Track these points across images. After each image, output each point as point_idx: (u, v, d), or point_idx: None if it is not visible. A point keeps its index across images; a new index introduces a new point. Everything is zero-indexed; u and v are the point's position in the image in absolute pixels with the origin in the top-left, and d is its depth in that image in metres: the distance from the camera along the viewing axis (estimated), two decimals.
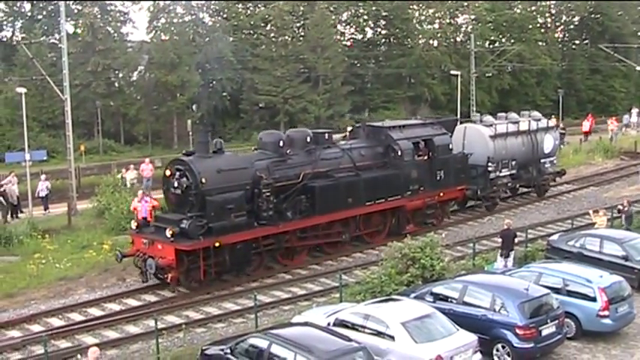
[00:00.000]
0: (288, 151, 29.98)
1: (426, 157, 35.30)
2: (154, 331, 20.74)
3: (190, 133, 71.73)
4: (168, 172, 27.80)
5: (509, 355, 19.71)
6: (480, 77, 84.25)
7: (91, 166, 60.90)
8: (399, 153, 33.50)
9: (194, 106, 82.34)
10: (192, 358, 19.69)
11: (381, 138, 34.30)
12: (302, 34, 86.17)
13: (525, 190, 45.21)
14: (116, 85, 79.81)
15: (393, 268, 24.31)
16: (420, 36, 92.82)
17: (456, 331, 18.75)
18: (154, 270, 26.35)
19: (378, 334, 18.51)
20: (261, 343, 17.41)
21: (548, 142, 43.73)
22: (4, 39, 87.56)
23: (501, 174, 40.25)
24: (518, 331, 19.48)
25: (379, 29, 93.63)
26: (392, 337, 18.24)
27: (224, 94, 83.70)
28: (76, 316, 25.05)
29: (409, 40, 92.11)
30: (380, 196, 32.64)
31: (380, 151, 33.94)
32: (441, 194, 35.75)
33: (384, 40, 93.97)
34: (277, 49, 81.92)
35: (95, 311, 25.44)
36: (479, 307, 20.41)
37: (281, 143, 30.03)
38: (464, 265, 27.57)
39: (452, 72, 75.46)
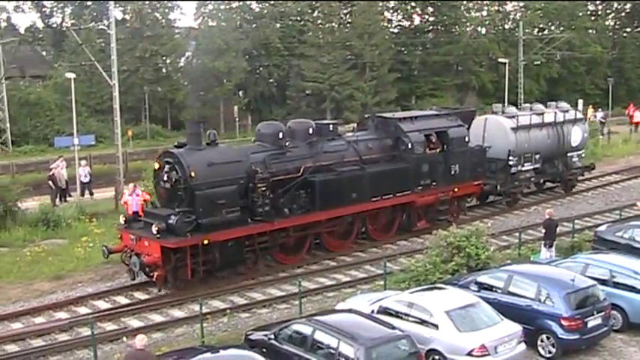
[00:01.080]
0: (286, 144, 28.54)
1: (439, 151, 33.50)
2: (198, 315, 20.93)
3: (237, 119, 72.13)
4: (157, 165, 26.77)
5: (553, 347, 19.56)
6: (528, 65, 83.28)
7: (138, 151, 61.47)
8: (409, 146, 31.72)
9: (240, 92, 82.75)
10: (237, 343, 19.78)
11: (391, 130, 32.47)
12: (349, 20, 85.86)
13: (551, 185, 43.33)
14: (164, 70, 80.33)
15: (438, 257, 24.22)
16: (468, 23, 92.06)
17: (501, 321, 18.65)
18: (138, 268, 25.24)
19: (422, 322, 18.48)
20: (305, 329, 17.48)
21: (576, 134, 41.72)
22: (54, 25, 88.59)
23: (524, 168, 38.50)
24: (563, 322, 19.32)
25: (427, 16, 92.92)
26: (436, 326, 18.21)
27: (270, 80, 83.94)
28: (121, 299, 25.37)
29: (457, 27, 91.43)
30: (387, 191, 30.93)
31: (389, 143, 32.23)
32: (456, 189, 33.83)
33: (431, 27, 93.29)
34: (324, 35, 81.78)
35: (140, 295, 25.71)
36: (524, 297, 20.26)
37: (280, 135, 28.58)
38: (509, 255, 27.33)
39: (500, 60, 74.69)
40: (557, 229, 27.62)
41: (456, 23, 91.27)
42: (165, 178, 25.98)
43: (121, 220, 27.19)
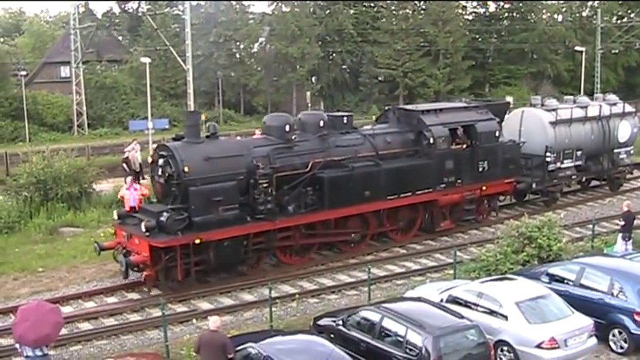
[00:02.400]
0: (293, 137, 26.74)
1: (465, 146, 31.00)
2: (267, 300, 21.06)
3: (309, 105, 72.34)
4: (150, 159, 25.86)
5: (625, 342, 19.18)
6: (605, 54, 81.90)
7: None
8: (431, 140, 29.38)
9: (313, 78, 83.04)
10: (305, 328, 19.87)
11: (413, 123, 30.15)
12: (423, 7, 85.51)
13: (597, 183, 40.39)
14: (237, 56, 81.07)
15: (509, 247, 23.96)
16: (544, 10, 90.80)
17: (571, 314, 18.37)
18: (124, 267, 23.92)
19: (491, 312, 18.31)
20: (374, 316, 17.47)
21: (624, 129, 38.54)
22: (131, 10, 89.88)
23: (563, 165, 35.67)
24: (636, 317, 18.91)
25: (502, 3, 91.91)
26: (505, 317, 18.02)
27: (343, 66, 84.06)
28: (192, 281, 25.61)
29: (533, 14, 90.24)
30: (406, 189, 28.73)
31: (411, 137, 29.91)
32: (484, 188, 31.34)
33: (506, 14, 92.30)
34: (398, 22, 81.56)
35: (212, 278, 25.94)
36: (596, 290, 19.88)
37: (287, 128, 26.72)
38: (582, 247, 26.87)
39: (576, 48, 73.54)
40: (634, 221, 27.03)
41: (531, 10, 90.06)
42: (160, 173, 24.74)
43: (115, 215, 25.81)
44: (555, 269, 21.20)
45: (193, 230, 23.65)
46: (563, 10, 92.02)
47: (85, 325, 21.92)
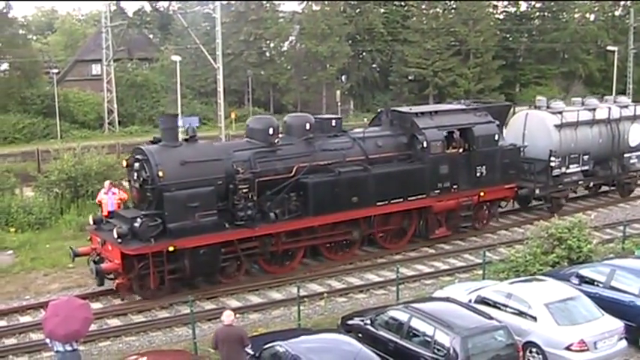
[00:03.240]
0: (276, 140, 25.75)
1: (461, 150, 29.66)
2: (295, 298, 21.08)
3: (339, 104, 72.38)
4: (124, 163, 25.11)
5: None
6: (638, 53, 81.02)
7: (241, 134, 62.13)
8: (424, 144, 28.13)
9: (343, 77, 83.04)
10: (332, 327, 19.89)
11: (406, 126, 28.91)
12: (453, 6, 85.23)
13: (606, 188, 38.53)
14: (267, 54, 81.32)
15: (539, 248, 23.81)
16: (576, 9, 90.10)
17: (601, 316, 18.23)
18: (94, 274, 23.19)
19: (520, 313, 18.21)
20: (402, 316, 17.43)
21: (636, 133, 36.87)
22: (161, 9, 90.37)
23: (569, 170, 34.21)
24: None
25: (533, 2, 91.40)
26: (534, 318, 17.92)
27: (373, 65, 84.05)
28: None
29: (564, 13, 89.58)
30: (397, 195, 27.54)
31: (404, 141, 28.70)
32: (482, 194, 29.97)
33: (537, 13, 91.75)
34: (428, 21, 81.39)
35: (241, 276, 25.99)
36: (627, 292, 19.70)
37: (270, 131, 25.68)
38: (612, 249, 26.68)
39: (608, 48, 72.98)
40: None
41: (563, 10, 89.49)
42: (135, 177, 23.90)
43: (90, 220, 24.94)
44: (585, 271, 21.03)
45: (168, 237, 22.80)
46: (595, 9, 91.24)
47: (114, 322, 22.10)
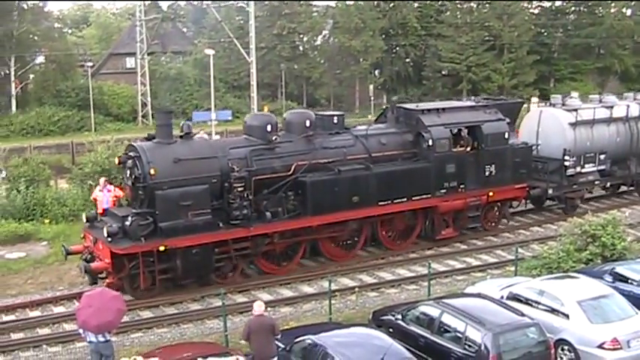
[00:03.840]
0: (274, 138, 25.00)
1: (469, 149, 28.91)
2: (327, 292, 21.10)
3: (372, 98, 72.31)
4: (117, 160, 24.66)
5: None
6: None
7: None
8: (430, 142, 27.30)
9: (376, 72, 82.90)
10: (363, 321, 19.90)
11: (412, 123, 28.04)
12: (488, 0, 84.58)
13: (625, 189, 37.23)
14: (300, 48, 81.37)
15: (572, 245, 23.65)
16: (612, 4, 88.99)
17: (635, 315, 18.07)
18: (83, 272, 22.84)
19: (552, 311, 18.11)
20: (433, 311, 17.41)
21: None
22: (195, 2, 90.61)
23: (584, 170, 33.19)
24: None
25: None
26: (566, 316, 17.81)
27: (407, 60, 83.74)
28: (252, 273, 25.77)
29: (600, 8, 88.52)
30: (400, 194, 26.76)
31: (409, 139, 27.88)
32: (491, 194, 29.04)
33: (573, 8, 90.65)
34: (462, 15, 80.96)
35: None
36: None
37: (268, 128, 25.04)
38: None
39: None
40: None
41: (599, 4, 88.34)
42: (128, 175, 23.48)
43: (84, 217, 24.48)
44: (619, 268, 20.87)
45: (159, 236, 22.34)
46: (632, 3, 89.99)
47: (146, 313, 22.28)
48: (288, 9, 77.37)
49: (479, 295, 18.81)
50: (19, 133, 63.94)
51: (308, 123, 25.97)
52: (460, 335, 16.32)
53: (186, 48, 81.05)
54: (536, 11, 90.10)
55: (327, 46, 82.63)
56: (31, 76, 72.74)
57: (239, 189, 23.65)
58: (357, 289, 23.57)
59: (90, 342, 16.51)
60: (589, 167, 33.49)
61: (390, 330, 17.76)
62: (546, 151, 32.40)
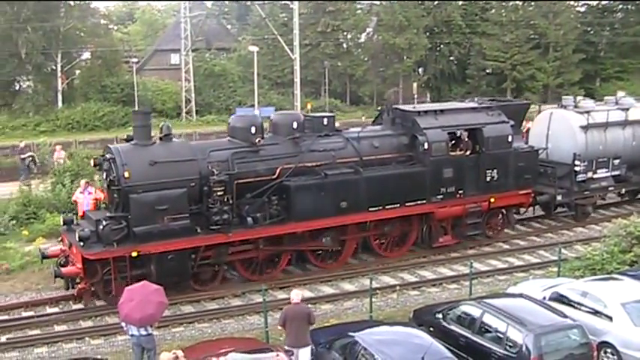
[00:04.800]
0: (257, 140, 23.97)
1: (468, 152, 27.54)
2: (368, 290, 21.09)
3: (415, 96, 72.06)
4: (92, 162, 24.08)
5: None
6: None
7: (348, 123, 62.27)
8: (425, 146, 26.05)
9: (420, 69, 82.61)
10: (404, 320, 19.86)
11: (408, 125, 26.86)
12: None
13: None
14: (344, 46, 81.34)
15: (616, 246, 23.37)
16: None
17: None
18: (53, 277, 22.31)
19: (595, 313, 17.93)
20: (474, 311, 17.34)
21: None
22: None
23: (596, 175, 31.69)
24: None
25: None
26: (610, 318, 17.62)
27: (451, 58, 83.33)
28: (295, 270, 25.90)
29: None
30: (392, 200, 25.56)
31: (404, 142, 26.67)
32: (492, 200, 27.81)
33: (620, 6, 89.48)
34: (507, 13, 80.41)
35: (312, 266, 26.06)
36: None
37: (253, 129, 24.05)
38: None
39: None
40: None
41: None
42: (105, 177, 22.88)
43: (61, 220, 24.10)
44: None
45: (133, 241, 21.67)
46: None
47: (188, 308, 22.43)
48: (333, 6, 77.34)
49: (521, 296, 18.67)
50: (64, 128, 64.64)
51: (295, 125, 24.99)
52: (501, 336, 16.24)
53: (230, 45, 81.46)
54: (582, 9, 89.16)
55: (371, 43, 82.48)
56: (77, 71, 73.47)
57: (219, 193, 22.83)
58: (398, 288, 23.55)
59: (132, 335, 16.68)
60: (602, 173, 32.00)
61: (431, 329, 17.72)
62: (556, 155, 31.10)
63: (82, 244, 21.38)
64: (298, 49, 51.75)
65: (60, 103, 68.73)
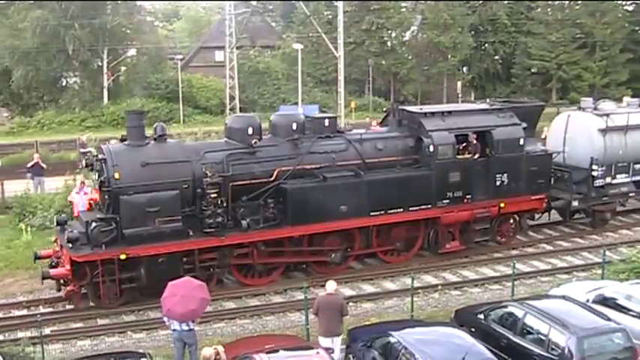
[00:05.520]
0: (253, 142, 23.42)
1: (477, 156, 26.34)
2: (409, 289, 21.04)
3: (459, 95, 71.80)
4: (83, 163, 23.91)
5: None
6: None
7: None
8: (430, 148, 25.22)
9: (465, 68, 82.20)
10: (445, 320, 19.79)
11: (414, 127, 26.01)
12: None
13: None
14: (388, 44, 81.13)
15: None
16: None
17: None
18: (41, 278, 21.79)
19: None
20: (516, 312, 17.21)
21: None
22: None
23: (616, 181, 30.20)
24: None
25: None
26: None
27: (496, 57, 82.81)
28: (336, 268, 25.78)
29: None
30: (395, 204, 24.76)
31: (410, 144, 25.92)
32: (502, 205, 26.75)
33: None
34: (553, 12, 79.73)
35: (356, 264, 26.06)
36: None
37: (250, 130, 23.55)
38: None
39: None
40: None
41: None
42: (97, 178, 22.57)
43: (55, 220, 23.78)
44: None
45: (122, 244, 21.30)
46: None
47: (230, 304, 22.58)
48: (377, 4, 77.23)
49: (564, 298, 18.50)
50: (109, 124, 65.35)
51: (295, 126, 24.35)
52: (543, 338, 16.10)
53: (274, 42, 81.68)
54: (630, 8, 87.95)
55: (416, 42, 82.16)
56: (123, 68, 74.21)
57: (212, 195, 22.36)
58: (439, 287, 23.47)
59: (174, 330, 16.82)
60: (621, 178, 30.46)
61: (472, 329, 17.62)
62: (574, 159, 29.86)
63: (70, 245, 21.13)
64: (342, 47, 51.67)
65: (105, 99, 69.52)
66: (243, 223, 22.65)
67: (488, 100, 31.53)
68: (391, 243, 25.81)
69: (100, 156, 22.20)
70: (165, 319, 17.04)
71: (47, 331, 20.27)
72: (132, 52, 73.71)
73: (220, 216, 22.36)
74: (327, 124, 25.09)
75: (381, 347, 15.99)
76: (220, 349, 14.31)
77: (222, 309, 22.13)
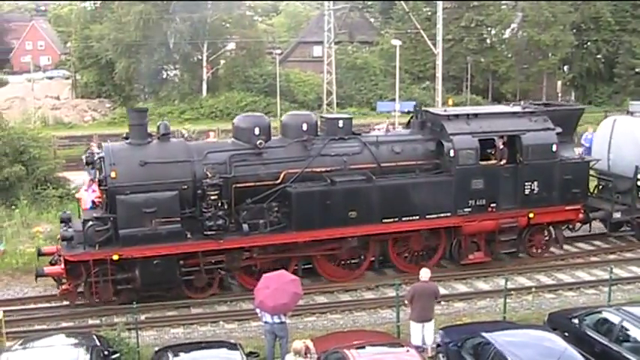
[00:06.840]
0: (258, 142, 22.44)
1: (504, 162, 24.57)
2: (503, 290, 20.81)
3: (559, 95, 70.54)
4: (84, 160, 23.72)
5: None
6: None
7: None
8: (451, 153, 23.56)
9: (565, 67, 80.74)
10: (538, 323, 19.53)
11: (436, 130, 24.43)
12: None
13: None
14: (488, 41, 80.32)
15: None
16: None
17: None
18: (35, 275, 21.73)
19: None
20: (613, 318, 16.85)
21: None
22: None
23: None
24: None
25: None
26: None
27: (598, 56, 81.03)
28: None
29: None
30: (410, 211, 23.35)
31: (430, 148, 24.36)
32: (531, 215, 24.85)
33: None
34: None
35: (447, 263, 25.86)
36: None
37: (256, 130, 22.63)
38: None
39: None
40: None
41: None
42: (97, 176, 22.37)
43: (60, 218, 23.31)
44: None
45: (117, 244, 20.94)
46: None
47: (321, 299, 22.72)
48: (477, 1, 76.51)
49: None
50: (207, 116, 66.48)
51: (305, 127, 23.30)
52: None
53: (373, 38, 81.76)
54: None
55: (515, 39, 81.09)
56: (222, 61, 75.38)
57: (212, 197, 21.56)
58: (533, 290, 23.08)
59: (265, 322, 17.04)
60: None
61: (566, 334, 17.32)
62: (619, 168, 27.64)
63: (65, 244, 21.05)
64: (441, 44, 51.38)
65: (204, 92, 70.72)
66: (244, 226, 21.91)
67: (522, 102, 29.53)
68: (409, 252, 24.55)
69: (99, 154, 22.08)
70: (258, 310, 17.27)
71: (142, 317, 20.75)
72: (231, 45, 74.83)
73: (221, 218, 21.65)
74: (340, 125, 23.92)
75: (472, 348, 15.90)
76: (309, 344, 14.42)
77: (313, 303, 22.26)
